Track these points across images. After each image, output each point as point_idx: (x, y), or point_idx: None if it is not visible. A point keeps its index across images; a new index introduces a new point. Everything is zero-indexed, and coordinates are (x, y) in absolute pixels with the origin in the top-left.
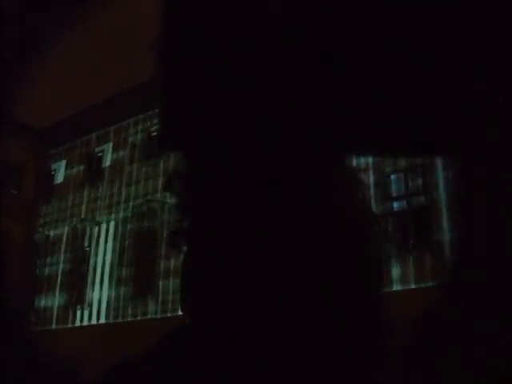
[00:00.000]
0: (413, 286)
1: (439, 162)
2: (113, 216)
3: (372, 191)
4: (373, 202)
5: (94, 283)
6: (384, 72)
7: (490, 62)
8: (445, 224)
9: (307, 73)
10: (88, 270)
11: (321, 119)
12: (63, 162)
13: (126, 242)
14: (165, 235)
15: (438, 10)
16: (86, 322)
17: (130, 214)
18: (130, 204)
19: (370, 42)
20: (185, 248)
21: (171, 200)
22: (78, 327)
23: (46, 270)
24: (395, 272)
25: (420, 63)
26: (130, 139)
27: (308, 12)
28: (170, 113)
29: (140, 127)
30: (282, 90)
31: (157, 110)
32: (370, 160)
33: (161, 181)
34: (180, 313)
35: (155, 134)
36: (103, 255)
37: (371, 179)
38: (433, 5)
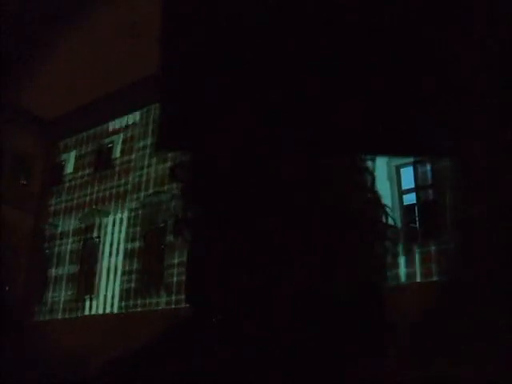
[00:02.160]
0: (419, 280)
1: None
2: (122, 206)
3: (383, 184)
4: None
5: (103, 273)
6: (385, 72)
7: (490, 62)
8: (451, 220)
9: (309, 71)
10: (97, 260)
11: (321, 118)
12: (73, 153)
13: (136, 233)
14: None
15: (437, 10)
16: (95, 312)
17: (139, 205)
18: (140, 195)
19: (371, 42)
20: (189, 237)
21: (177, 189)
22: (87, 317)
23: (55, 261)
24: (402, 265)
25: (421, 63)
26: (140, 130)
27: (309, 10)
28: (170, 111)
29: (150, 118)
30: (286, 88)
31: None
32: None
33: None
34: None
35: None
36: (112, 245)
37: (382, 172)
38: (432, 5)
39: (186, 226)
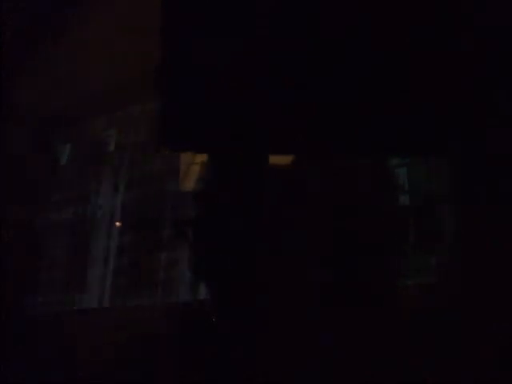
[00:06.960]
0: (412, 282)
1: (441, 161)
2: (117, 200)
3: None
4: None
5: (95, 267)
6: (386, 73)
7: (490, 63)
8: (447, 222)
9: (309, 71)
10: (90, 253)
11: (322, 119)
12: (68, 145)
13: (130, 228)
14: (169, 222)
15: (439, 11)
16: (87, 306)
17: (134, 200)
18: (135, 189)
19: (371, 43)
20: (191, 236)
21: (174, 187)
22: (78, 311)
23: (48, 254)
24: (399, 266)
25: (422, 65)
26: (136, 124)
27: (309, 10)
28: (170, 111)
29: (146, 113)
30: (283, 90)
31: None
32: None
33: (166, 168)
34: (180, 300)
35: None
36: (105, 239)
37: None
38: (432, 6)
39: (189, 225)
